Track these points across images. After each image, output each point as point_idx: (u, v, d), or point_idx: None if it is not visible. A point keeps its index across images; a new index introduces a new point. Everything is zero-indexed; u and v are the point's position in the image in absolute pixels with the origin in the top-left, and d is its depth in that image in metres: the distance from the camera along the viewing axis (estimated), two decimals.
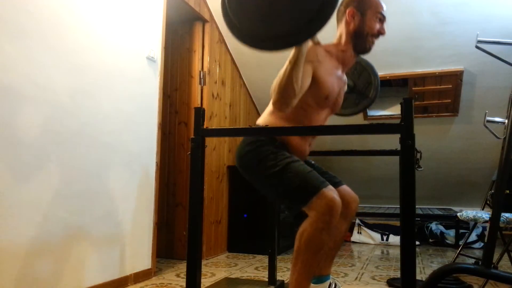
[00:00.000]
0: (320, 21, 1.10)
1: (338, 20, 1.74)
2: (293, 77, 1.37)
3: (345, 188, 1.81)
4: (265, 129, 1.66)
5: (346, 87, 1.82)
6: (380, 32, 1.68)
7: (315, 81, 1.57)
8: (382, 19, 1.68)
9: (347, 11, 1.67)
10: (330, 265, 1.89)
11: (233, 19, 1.18)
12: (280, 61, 1.45)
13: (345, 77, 1.78)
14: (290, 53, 1.35)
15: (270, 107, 1.70)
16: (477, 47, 2.35)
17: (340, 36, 1.71)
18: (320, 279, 1.84)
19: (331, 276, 1.91)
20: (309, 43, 1.54)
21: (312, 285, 1.84)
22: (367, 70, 1.99)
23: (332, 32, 1.69)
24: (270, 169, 1.55)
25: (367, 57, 1.88)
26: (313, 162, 1.84)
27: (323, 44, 1.66)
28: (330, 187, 1.49)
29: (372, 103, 2.03)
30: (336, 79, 1.67)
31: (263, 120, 1.70)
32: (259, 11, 1.16)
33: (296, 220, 1.57)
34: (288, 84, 1.38)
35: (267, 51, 1.23)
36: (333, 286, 1.88)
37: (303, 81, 1.46)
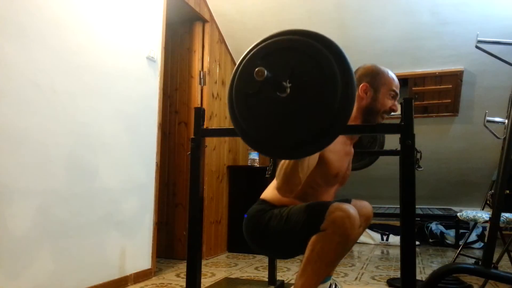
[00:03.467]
0: (330, 136, 1.03)
1: None
2: (299, 167, 1.32)
3: (355, 201, 1.76)
4: None
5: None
6: (392, 109, 1.61)
7: (324, 161, 1.51)
8: (394, 96, 1.62)
9: (360, 86, 1.60)
10: (334, 267, 1.88)
11: (242, 124, 1.10)
12: None
13: (352, 150, 1.73)
14: None
15: (275, 182, 1.61)
16: (477, 47, 2.35)
17: None
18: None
19: (331, 277, 1.91)
20: None
21: None
22: None
23: None
24: (277, 226, 1.50)
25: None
26: None
27: None
28: (339, 203, 1.43)
29: (376, 160, 1.94)
30: (344, 156, 1.63)
31: (270, 195, 1.64)
32: (270, 120, 1.07)
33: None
34: (293, 173, 1.32)
35: (278, 158, 1.15)
36: (333, 286, 1.88)
37: (309, 164, 1.40)
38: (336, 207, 1.38)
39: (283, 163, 1.35)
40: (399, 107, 1.48)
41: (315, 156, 1.45)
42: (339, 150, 1.59)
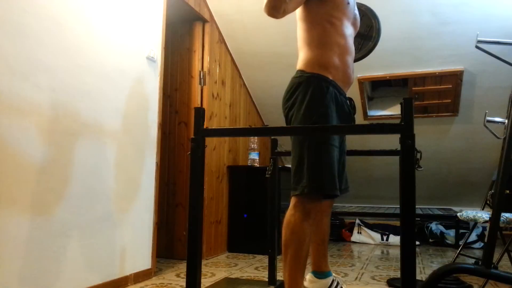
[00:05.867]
0: None
1: None
2: None
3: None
4: (265, 129, 1.66)
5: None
6: None
7: None
8: None
9: None
10: (326, 261, 1.92)
11: None
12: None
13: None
14: None
15: (302, 48, 1.74)
16: (477, 47, 2.35)
17: None
18: (322, 274, 1.88)
19: (333, 274, 1.94)
20: None
21: (315, 278, 1.88)
22: (367, 14, 2.04)
23: None
24: (298, 106, 1.62)
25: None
26: (345, 148, 1.85)
27: None
28: (324, 202, 1.62)
29: (375, 46, 2.06)
30: None
31: (302, 61, 1.72)
32: None
33: None
34: None
35: None
36: (335, 283, 1.90)
37: None
38: (315, 202, 1.57)
39: None
40: None
41: None
42: None
